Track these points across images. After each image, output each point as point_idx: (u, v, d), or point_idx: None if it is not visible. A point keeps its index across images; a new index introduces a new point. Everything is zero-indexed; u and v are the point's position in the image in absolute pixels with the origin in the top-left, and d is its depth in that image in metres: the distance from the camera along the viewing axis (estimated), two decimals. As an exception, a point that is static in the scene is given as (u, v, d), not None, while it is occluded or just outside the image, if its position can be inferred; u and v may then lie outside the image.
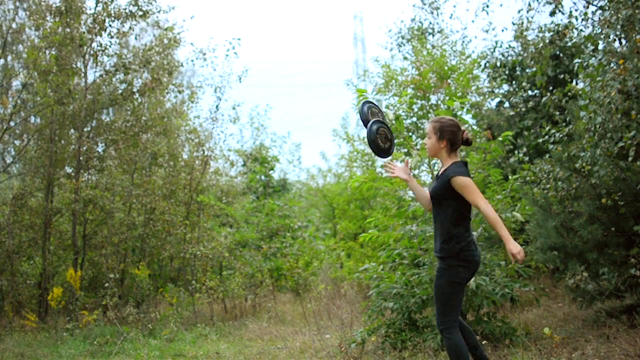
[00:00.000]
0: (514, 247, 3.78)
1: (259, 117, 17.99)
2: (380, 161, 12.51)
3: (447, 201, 4.01)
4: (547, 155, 7.99)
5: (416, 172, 8.91)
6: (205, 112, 12.60)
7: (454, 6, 18.25)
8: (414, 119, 9.91)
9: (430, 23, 13.19)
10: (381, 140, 4.40)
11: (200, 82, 11.57)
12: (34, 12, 10.02)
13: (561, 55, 10.24)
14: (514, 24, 10.60)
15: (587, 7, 6.92)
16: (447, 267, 3.96)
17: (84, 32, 9.82)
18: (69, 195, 9.64)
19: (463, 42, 12.56)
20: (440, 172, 4.16)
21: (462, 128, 4.21)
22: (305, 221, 15.08)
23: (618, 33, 6.20)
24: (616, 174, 5.93)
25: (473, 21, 20.51)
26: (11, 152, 13.33)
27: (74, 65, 9.93)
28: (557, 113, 8.97)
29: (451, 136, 4.12)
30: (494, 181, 6.65)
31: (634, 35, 5.79)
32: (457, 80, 9.69)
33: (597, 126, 5.93)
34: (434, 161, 6.59)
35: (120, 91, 10.43)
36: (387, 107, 9.52)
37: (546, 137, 7.79)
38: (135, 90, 10.33)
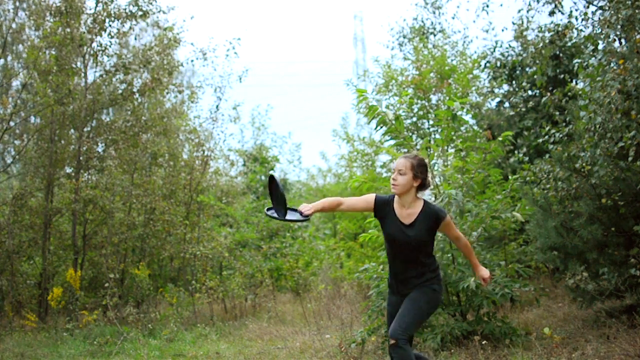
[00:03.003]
0: (485, 272, 4.13)
1: (260, 117, 18.00)
2: (380, 161, 12.51)
3: (430, 241, 3.98)
4: (547, 155, 7.99)
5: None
6: (205, 112, 12.59)
7: (458, 6, 18.24)
8: (414, 119, 9.92)
9: (432, 23, 13.20)
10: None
11: (200, 82, 11.58)
12: (33, 12, 10.03)
13: (561, 55, 10.24)
14: (514, 23, 10.61)
15: (587, 7, 6.92)
16: (434, 293, 3.94)
17: (84, 32, 9.82)
18: (69, 195, 9.64)
19: (464, 42, 12.57)
20: (409, 214, 3.94)
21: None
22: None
23: (618, 33, 6.20)
24: (616, 174, 5.93)
25: (474, 21, 20.47)
26: (11, 152, 13.33)
27: (74, 65, 9.93)
28: (557, 113, 8.97)
29: (425, 176, 3.98)
30: (494, 181, 6.65)
31: (634, 35, 5.79)
32: (457, 81, 9.69)
33: (597, 126, 5.93)
34: (433, 161, 6.59)
35: (120, 91, 10.42)
36: (387, 107, 9.52)
37: (546, 137, 7.79)
38: (135, 90, 10.33)
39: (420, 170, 3.95)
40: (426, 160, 4.08)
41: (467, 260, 4.33)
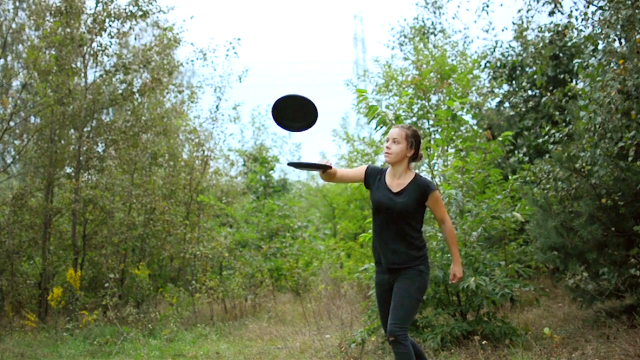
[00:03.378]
0: (459, 270, 4.05)
1: (260, 117, 17.99)
2: (380, 161, 12.50)
3: (417, 213, 3.94)
4: (547, 155, 7.99)
5: (416, 172, 8.90)
6: (205, 112, 12.59)
7: (458, 6, 18.26)
8: (414, 119, 9.91)
9: (433, 23, 13.20)
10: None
11: (200, 82, 11.57)
12: (33, 12, 10.02)
13: (561, 55, 10.24)
14: (514, 24, 10.61)
15: (587, 7, 6.91)
16: (422, 273, 3.89)
17: (84, 32, 9.81)
18: (69, 195, 9.64)
19: (464, 42, 12.57)
20: (398, 184, 3.96)
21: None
22: (305, 221, 15.08)
23: (618, 33, 6.20)
24: (616, 174, 5.93)
25: (475, 21, 20.48)
26: (11, 152, 13.33)
27: (74, 65, 9.93)
28: (557, 113, 8.97)
29: (417, 146, 4.02)
30: (494, 181, 6.65)
31: (634, 35, 5.79)
32: (457, 81, 9.69)
33: (597, 126, 5.93)
34: (433, 161, 6.59)
35: (120, 91, 10.42)
36: (387, 107, 9.52)
37: (546, 137, 7.79)
38: (135, 90, 10.33)
39: (414, 140, 4.00)
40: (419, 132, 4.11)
41: (448, 248, 4.19)
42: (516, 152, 9.92)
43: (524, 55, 10.54)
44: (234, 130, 24.52)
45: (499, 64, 11.06)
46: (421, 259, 3.91)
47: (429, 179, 4.03)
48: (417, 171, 4.07)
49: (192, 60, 11.02)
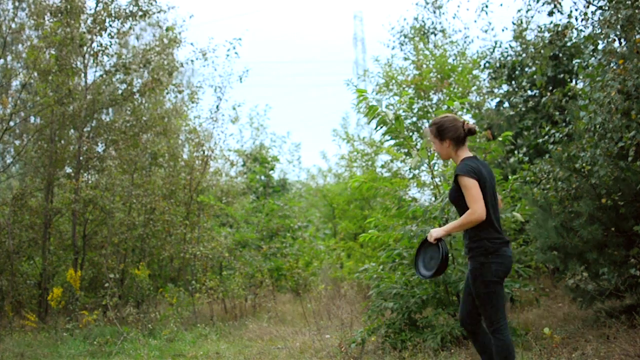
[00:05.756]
0: (437, 231, 3.96)
1: (259, 117, 17.96)
2: (380, 161, 12.51)
3: (460, 200, 3.90)
4: (547, 155, 7.98)
5: (416, 172, 8.91)
6: (205, 112, 12.58)
7: (458, 6, 18.24)
8: (414, 119, 9.92)
9: (433, 22, 13.19)
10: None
11: (200, 82, 11.57)
12: (33, 12, 10.02)
13: (561, 55, 10.23)
14: (513, 24, 10.61)
15: (587, 7, 6.91)
16: (478, 266, 3.85)
17: (84, 32, 9.81)
18: (69, 195, 9.64)
19: (465, 42, 12.56)
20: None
21: (461, 119, 4.09)
22: (305, 221, 15.07)
23: (618, 33, 6.19)
24: (616, 174, 5.93)
25: (475, 22, 20.45)
26: (11, 152, 13.32)
27: (74, 65, 9.93)
28: (557, 113, 8.97)
29: (451, 133, 4.00)
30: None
31: (633, 35, 5.79)
32: (457, 81, 9.69)
33: (597, 126, 5.92)
34: (433, 161, 6.59)
35: (120, 91, 10.42)
36: (387, 107, 9.51)
37: (546, 137, 7.78)
38: (135, 90, 10.33)
39: (442, 132, 4.04)
40: (449, 117, 4.07)
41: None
42: (516, 152, 9.92)
43: (524, 55, 10.54)
44: (233, 130, 24.51)
45: (498, 64, 11.06)
46: (477, 250, 3.86)
47: (467, 164, 3.89)
48: (470, 155, 4.03)
49: (192, 61, 11.03)
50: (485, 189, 3.86)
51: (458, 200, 3.94)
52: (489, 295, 3.84)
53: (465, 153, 4.03)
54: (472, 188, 3.80)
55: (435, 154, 7.26)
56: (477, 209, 3.76)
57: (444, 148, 4.05)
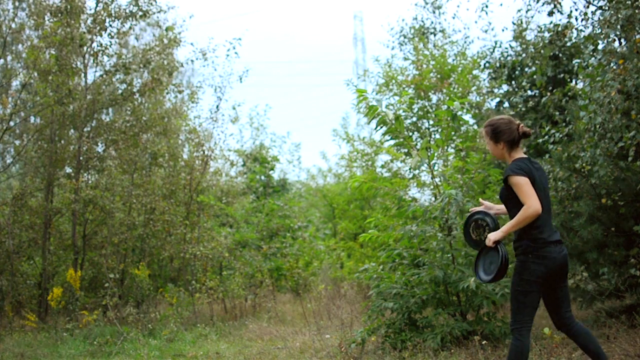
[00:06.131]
0: (495, 235, 4.00)
1: (259, 117, 17.94)
2: (380, 161, 12.51)
3: (513, 201, 3.96)
4: (547, 155, 7.99)
5: (416, 172, 8.91)
6: (205, 112, 12.58)
7: (458, 6, 18.17)
8: (414, 119, 9.92)
9: (432, 22, 13.18)
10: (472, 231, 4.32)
11: (200, 82, 11.57)
12: (33, 12, 10.02)
13: (560, 55, 10.23)
14: (513, 24, 10.60)
15: (587, 7, 6.91)
16: (519, 263, 3.92)
17: (84, 32, 9.81)
18: (69, 195, 9.64)
19: (464, 42, 12.56)
20: None
21: (516, 122, 4.12)
22: (305, 221, 15.07)
23: (618, 33, 6.19)
24: (616, 174, 5.93)
25: (476, 22, 20.40)
26: (11, 152, 13.32)
27: (74, 65, 9.93)
28: (557, 113, 8.96)
29: (506, 136, 4.06)
30: (494, 181, 6.66)
31: (633, 35, 5.79)
32: (457, 81, 9.69)
33: (597, 126, 5.93)
34: (433, 161, 6.59)
35: (120, 91, 10.42)
36: (387, 107, 9.51)
37: (546, 137, 7.78)
38: (135, 90, 10.33)
39: (497, 134, 4.08)
40: (504, 119, 4.11)
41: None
42: (516, 152, 9.90)
43: (524, 55, 10.53)
44: (233, 130, 24.53)
45: (498, 64, 11.05)
46: (519, 249, 3.94)
47: (517, 164, 3.95)
48: (521, 155, 4.08)
49: (192, 61, 11.03)
50: (536, 188, 3.91)
51: (508, 201, 4.02)
52: (522, 293, 3.89)
53: (519, 154, 4.09)
54: (523, 185, 3.86)
55: (436, 154, 7.27)
56: (531, 203, 3.80)
57: (498, 149, 4.12)
